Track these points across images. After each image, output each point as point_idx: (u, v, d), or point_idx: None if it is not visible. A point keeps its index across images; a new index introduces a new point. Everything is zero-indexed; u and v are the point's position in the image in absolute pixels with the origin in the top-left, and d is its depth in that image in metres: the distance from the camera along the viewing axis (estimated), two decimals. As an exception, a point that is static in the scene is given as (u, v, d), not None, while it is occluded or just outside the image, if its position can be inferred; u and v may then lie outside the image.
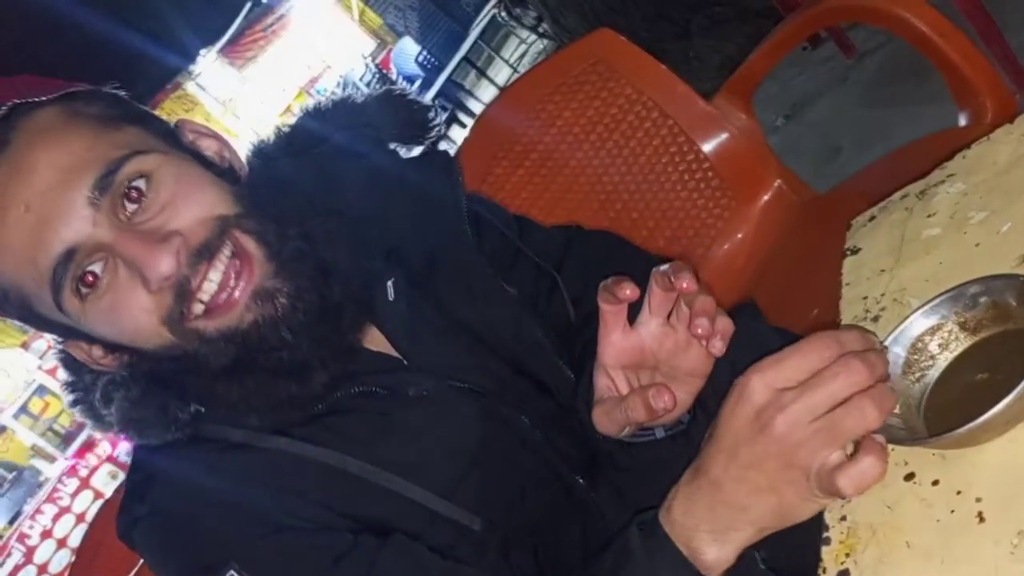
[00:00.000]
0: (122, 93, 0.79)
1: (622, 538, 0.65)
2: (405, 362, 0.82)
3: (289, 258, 0.74)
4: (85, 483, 4.80)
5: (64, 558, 4.65)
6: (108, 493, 4.62)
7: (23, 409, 6.41)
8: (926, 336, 0.64)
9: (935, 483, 0.57)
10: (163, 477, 0.76)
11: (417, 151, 0.96)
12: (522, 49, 9.05)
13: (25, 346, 7.24)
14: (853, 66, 3.05)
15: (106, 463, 4.83)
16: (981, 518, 0.53)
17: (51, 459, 6.21)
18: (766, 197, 1.54)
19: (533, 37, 8.34)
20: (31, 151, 0.70)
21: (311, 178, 0.85)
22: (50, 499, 4.90)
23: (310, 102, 0.95)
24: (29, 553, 4.72)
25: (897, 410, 0.63)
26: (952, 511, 0.55)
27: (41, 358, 6.71)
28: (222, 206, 0.73)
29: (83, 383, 0.79)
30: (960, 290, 0.63)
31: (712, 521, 0.60)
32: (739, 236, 1.54)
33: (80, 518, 4.76)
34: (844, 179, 1.62)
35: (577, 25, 4.27)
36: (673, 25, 3.97)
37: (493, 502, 0.79)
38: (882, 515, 0.58)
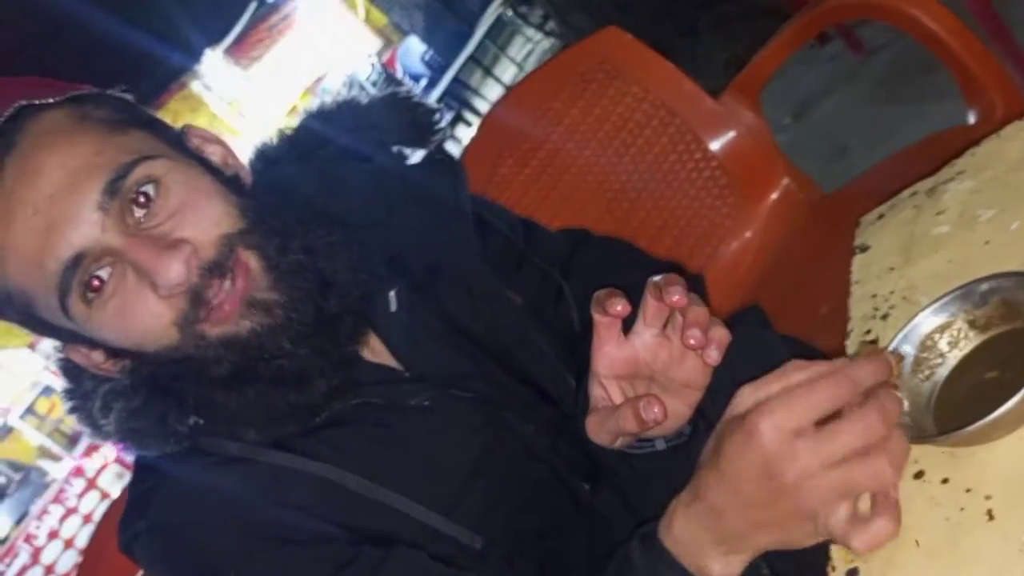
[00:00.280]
0: (129, 97, 0.79)
1: (624, 550, 0.65)
2: (406, 373, 0.81)
3: (287, 271, 0.73)
4: (92, 484, 4.82)
5: (71, 558, 4.67)
6: (115, 493, 4.63)
7: (29, 410, 6.44)
8: (935, 334, 0.64)
9: (944, 481, 0.57)
10: (162, 491, 0.76)
11: (420, 154, 0.96)
12: (528, 48, 9.05)
13: (32, 347, 7.27)
14: (861, 64, 3.05)
15: (113, 464, 4.84)
16: (990, 516, 0.53)
17: (57, 459, 6.23)
18: (774, 196, 1.54)
19: (539, 36, 8.34)
20: (38, 153, 0.69)
21: (314, 182, 0.85)
22: (57, 500, 4.92)
23: (314, 104, 0.95)
24: (36, 553, 4.74)
25: (907, 408, 0.63)
26: (961, 509, 0.55)
27: (47, 359, 6.75)
28: (227, 221, 0.73)
29: (82, 391, 0.78)
30: (969, 288, 0.63)
31: (715, 543, 0.60)
32: (747, 235, 1.54)
33: (87, 519, 4.78)
34: (852, 178, 1.62)
35: (584, 23, 4.27)
36: (680, 23, 3.97)
37: (496, 514, 0.79)
38: (892, 513, 0.58)
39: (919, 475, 0.59)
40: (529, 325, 0.86)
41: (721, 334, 0.66)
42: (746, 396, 0.57)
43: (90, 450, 5.05)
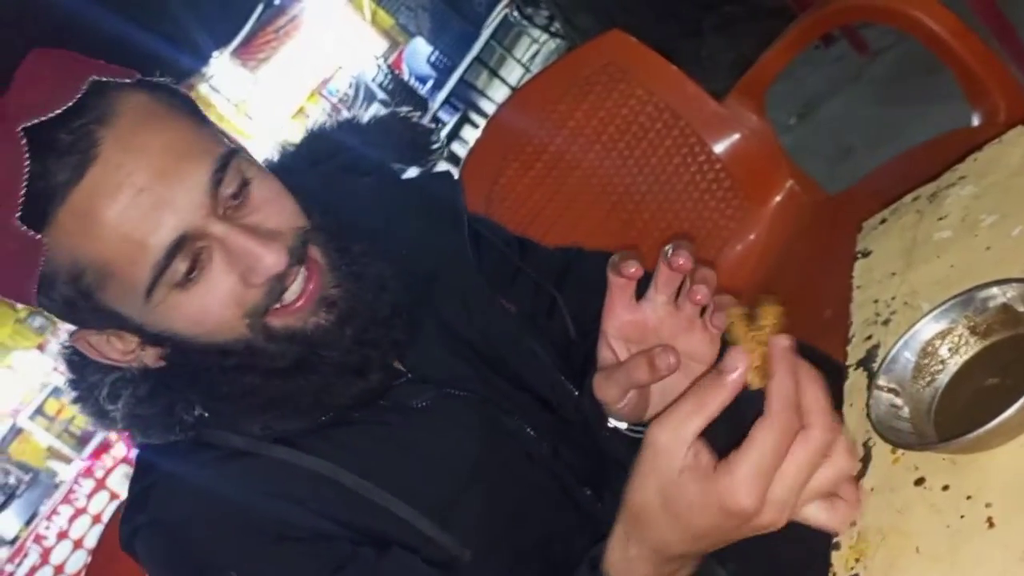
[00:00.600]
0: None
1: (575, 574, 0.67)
2: (408, 374, 0.83)
3: (349, 271, 0.76)
4: (101, 484, 4.83)
5: (80, 559, 4.68)
6: (124, 494, 4.65)
7: (39, 411, 6.47)
8: (936, 340, 0.64)
9: (945, 488, 0.57)
10: (163, 486, 0.76)
11: (414, 172, 0.99)
12: (534, 49, 9.04)
13: (41, 348, 7.31)
14: (866, 64, 3.04)
15: (122, 464, 4.86)
16: (991, 523, 0.53)
17: (67, 460, 6.26)
18: (778, 198, 1.54)
19: (545, 37, 8.34)
20: (142, 130, 0.68)
21: (320, 192, 0.86)
22: (66, 500, 4.93)
23: (315, 122, 0.97)
24: (45, 554, 4.76)
25: (907, 415, 0.63)
26: (962, 516, 0.55)
27: (56, 360, 6.77)
28: (298, 216, 0.75)
29: (87, 381, 0.79)
30: (970, 294, 0.63)
31: (660, 564, 0.63)
32: (751, 237, 1.54)
33: (96, 519, 4.80)
34: (857, 179, 1.62)
35: (589, 24, 4.27)
36: (685, 24, 3.96)
37: (493, 522, 0.79)
38: (892, 520, 0.58)
39: (920, 482, 0.59)
40: (524, 332, 0.88)
41: (728, 301, 0.67)
42: (675, 439, 0.58)
43: (99, 451, 5.07)
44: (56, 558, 4.77)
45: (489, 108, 8.07)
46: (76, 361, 0.79)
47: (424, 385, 0.81)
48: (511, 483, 0.81)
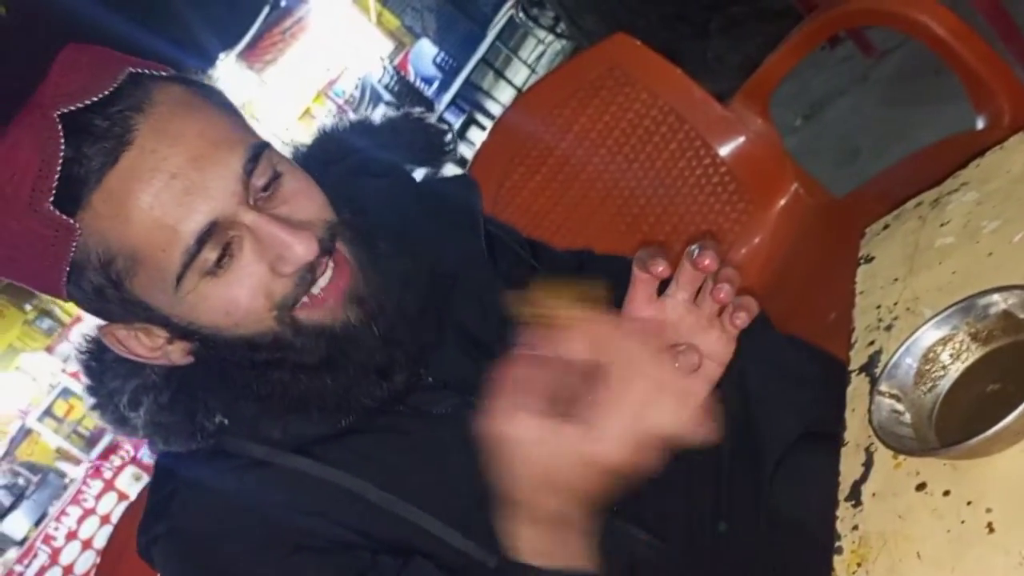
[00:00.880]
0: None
1: None
2: (429, 378, 0.82)
3: (377, 269, 0.76)
4: (110, 485, 4.85)
5: (89, 559, 4.70)
6: (132, 495, 4.67)
7: (48, 412, 6.50)
8: (938, 346, 0.64)
9: (946, 493, 0.58)
10: (182, 495, 0.77)
11: (431, 172, 0.98)
12: (540, 49, 9.05)
13: (49, 350, 7.35)
14: (873, 65, 3.04)
15: (130, 465, 4.88)
16: (991, 529, 0.53)
17: (76, 461, 6.28)
18: (783, 201, 1.55)
19: (551, 37, 8.35)
20: (177, 119, 0.69)
21: (333, 192, 0.86)
22: (75, 501, 4.95)
23: (327, 123, 0.97)
24: (54, 555, 4.78)
25: (909, 420, 0.63)
26: (962, 521, 0.55)
27: (65, 361, 6.81)
28: (327, 210, 0.75)
29: (106, 388, 0.79)
30: (971, 301, 0.63)
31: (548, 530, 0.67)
32: (756, 240, 1.55)
33: (105, 519, 4.81)
34: (862, 182, 1.62)
35: (595, 26, 4.27)
36: (691, 25, 3.96)
37: None
38: (893, 525, 0.59)
39: (921, 487, 0.60)
40: None
41: (750, 302, 0.69)
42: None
43: (108, 452, 5.09)
44: (65, 559, 4.80)
45: (495, 109, 8.08)
46: (94, 367, 0.79)
47: (445, 391, 0.81)
48: None
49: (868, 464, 0.64)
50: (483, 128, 7.61)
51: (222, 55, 9.74)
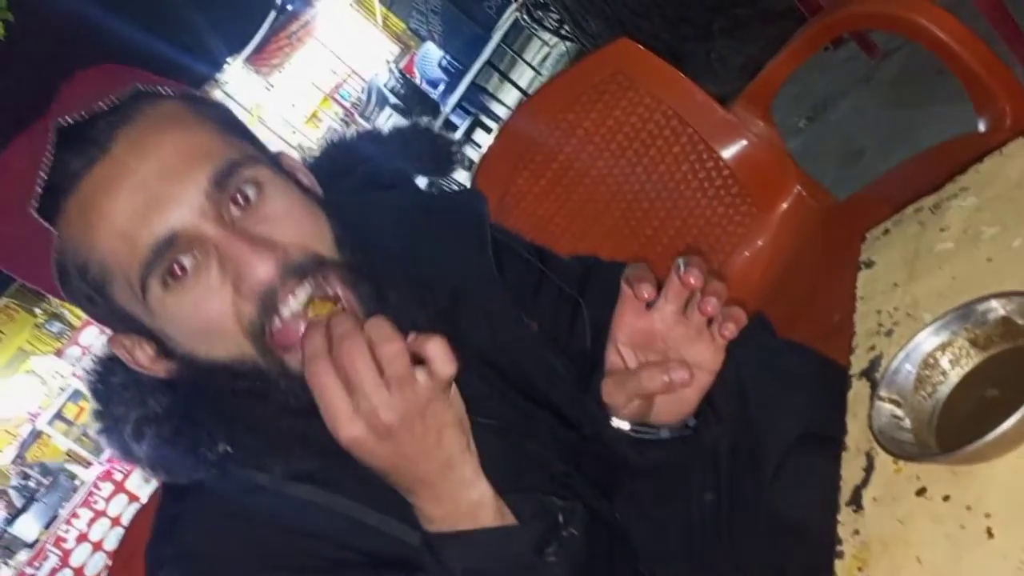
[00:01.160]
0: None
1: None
2: None
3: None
4: (120, 487, 4.87)
5: (100, 562, 4.72)
6: (143, 497, 4.69)
7: (58, 415, 6.53)
8: (937, 352, 0.65)
9: (946, 498, 0.58)
10: (189, 518, 0.77)
11: (441, 183, 0.99)
12: (545, 51, 9.06)
13: (59, 353, 7.38)
14: (876, 66, 3.04)
15: (139, 468, 4.89)
16: (990, 533, 0.54)
17: (86, 464, 6.31)
18: (786, 204, 1.55)
19: (555, 39, 8.34)
20: (155, 132, 0.70)
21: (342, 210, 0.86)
22: (85, 503, 4.98)
23: (335, 134, 0.97)
24: (65, 557, 4.81)
25: (909, 426, 0.64)
26: (962, 526, 0.56)
27: (75, 364, 6.84)
28: (321, 242, 0.73)
29: (112, 414, 0.79)
30: (969, 307, 0.64)
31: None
32: (759, 243, 1.55)
33: (115, 522, 4.84)
34: (866, 183, 1.63)
35: (599, 28, 4.28)
36: (695, 27, 3.97)
37: None
38: (894, 530, 0.60)
39: (921, 492, 0.60)
40: (546, 351, 0.88)
41: (738, 312, 0.71)
42: None
43: (117, 455, 5.10)
44: (75, 561, 4.82)
45: (500, 111, 8.09)
46: (101, 391, 0.80)
47: None
48: None
49: (869, 469, 0.65)
50: (489, 131, 7.62)
51: (229, 59, 9.77)
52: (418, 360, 0.65)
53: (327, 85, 11.64)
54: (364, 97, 10.38)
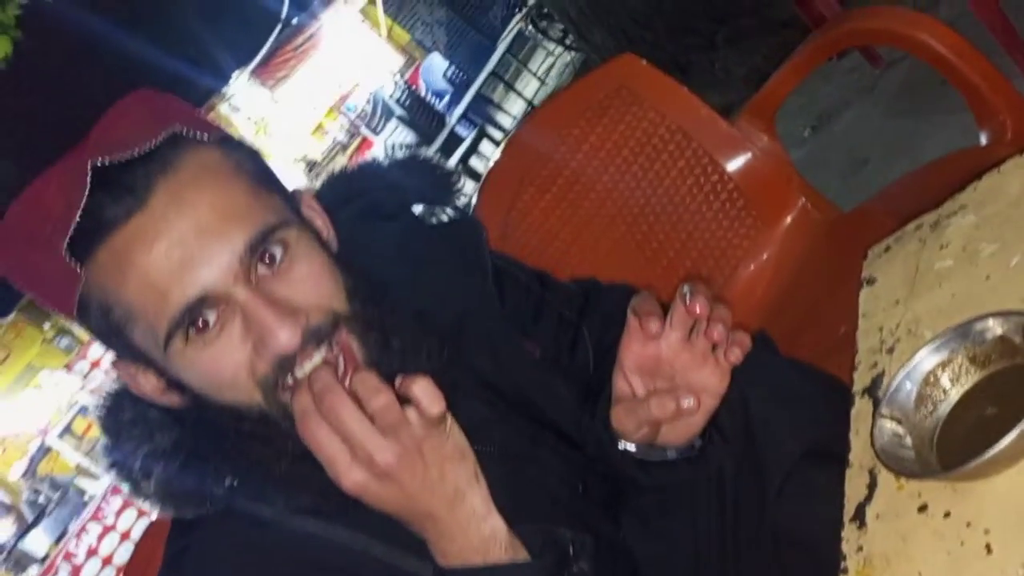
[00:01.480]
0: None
1: None
2: None
3: (386, 367, 0.74)
4: (129, 501, 4.89)
5: None
6: (153, 512, 4.70)
7: (67, 429, 6.55)
8: (937, 370, 0.66)
9: (947, 515, 0.59)
10: (196, 550, 0.78)
11: (441, 213, 1.00)
12: (549, 61, 9.09)
13: (68, 368, 7.41)
14: (880, 76, 3.05)
15: (149, 481, 4.90)
16: (989, 549, 0.55)
17: (95, 478, 6.33)
18: (791, 217, 1.56)
19: (560, 49, 8.38)
20: (194, 187, 0.70)
21: (344, 243, 0.87)
22: (95, 517, 5.00)
23: (336, 167, 0.98)
24: (75, 571, 4.83)
25: (910, 443, 0.65)
26: (962, 543, 0.57)
27: (84, 379, 6.87)
28: (337, 298, 0.74)
29: (122, 450, 0.79)
30: (968, 326, 0.65)
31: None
32: (764, 256, 1.56)
33: (125, 536, 4.86)
34: (872, 191, 1.64)
35: (603, 39, 4.29)
36: (699, 37, 3.98)
37: None
38: (896, 546, 0.61)
39: (923, 509, 0.61)
40: (548, 375, 0.89)
41: (743, 337, 0.72)
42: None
43: (126, 469, 5.11)
44: (86, 575, 4.84)
45: (506, 121, 8.12)
46: (111, 427, 0.81)
47: None
48: None
49: (872, 486, 0.66)
50: (495, 142, 7.64)
51: (235, 73, 9.83)
52: (408, 400, 0.67)
53: (333, 97, 11.68)
54: (369, 109, 10.42)
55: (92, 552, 4.90)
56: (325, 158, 11.07)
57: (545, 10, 7.49)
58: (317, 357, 0.72)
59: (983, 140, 1.28)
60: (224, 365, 0.72)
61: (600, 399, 0.83)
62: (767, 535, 0.81)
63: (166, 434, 0.78)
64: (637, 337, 0.75)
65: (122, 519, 4.96)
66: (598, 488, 0.85)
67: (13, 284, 0.76)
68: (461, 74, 9.82)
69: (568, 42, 7.65)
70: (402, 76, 10.99)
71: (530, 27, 8.40)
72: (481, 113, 8.26)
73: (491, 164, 1.73)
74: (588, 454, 0.86)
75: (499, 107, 8.66)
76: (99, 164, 0.67)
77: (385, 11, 11.62)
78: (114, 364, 0.79)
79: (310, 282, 0.73)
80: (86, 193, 0.67)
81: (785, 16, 3.51)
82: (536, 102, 8.13)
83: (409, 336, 0.78)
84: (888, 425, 0.66)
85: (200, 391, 0.74)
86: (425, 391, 0.66)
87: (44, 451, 6.92)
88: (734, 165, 1.57)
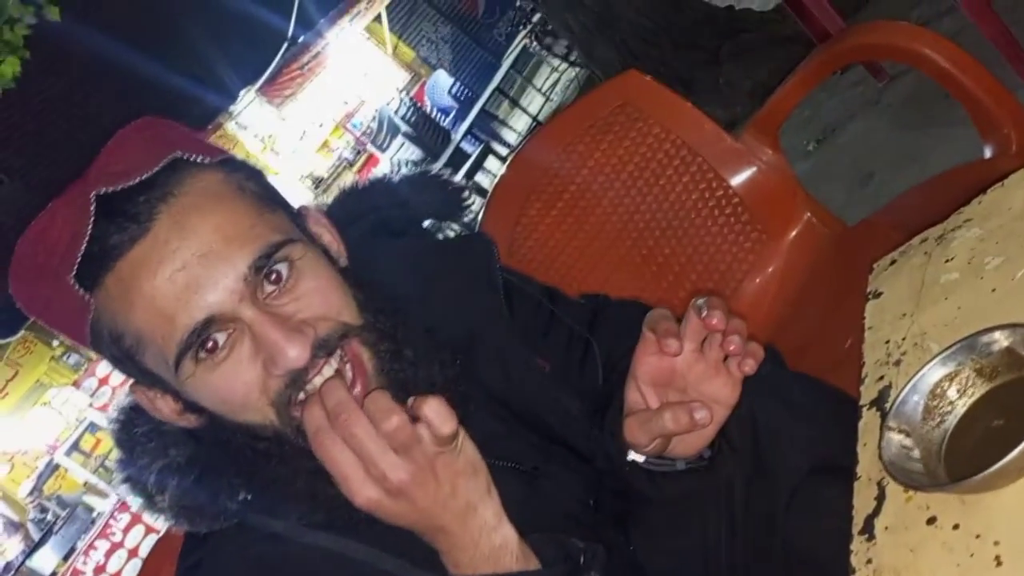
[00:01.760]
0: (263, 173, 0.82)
1: None
2: None
3: (398, 378, 0.76)
4: (137, 518, 4.88)
5: (118, 593, 4.73)
6: (161, 527, 4.69)
7: (75, 446, 6.56)
8: (944, 382, 0.66)
9: (955, 527, 0.59)
10: (209, 564, 0.79)
11: (452, 228, 1.01)
12: (554, 77, 9.14)
13: (76, 385, 7.43)
14: (884, 89, 3.06)
15: (157, 498, 4.90)
16: (999, 562, 0.55)
17: (103, 495, 6.33)
18: (796, 231, 1.57)
19: (564, 65, 8.43)
20: (197, 211, 0.71)
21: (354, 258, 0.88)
22: (103, 535, 4.99)
23: (346, 183, 0.99)
24: (84, 589, 4.81)
25: (918, 456, 0.65)
26: (971, 555, 0.57)
27: (92, 396, 6.88)
28: (347, 312, 0.75)
29: (136, 465, 0.80)
30: (974, 338, 0.65)
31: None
32: (770, 270, 1.57)
33: (133, 553, 4.85)
34: (877, 204, 1.64)
35: (607, 54, 4.32)
36: (703, 52, 4.01)
37: None
38: (905, 559, 0.61)
39: (932, 521, 0.61)
40: (558, 389, 0.90)
41: (757, 349, 0.74)
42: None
43: (134, 486, 5.11)
44: (94, 593, 4.82)
45: (511, 137, 8.15)
46: (125, 441, 0.81)
47: None
48: None
49: (880, 498, 0.66)
50: (500, 157, 7.67)
51: (242, 91, 9.89)
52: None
53: (339, 114, 11.75)
54: (375, 126, 10.47)
55: (100, 569, 4.89)
56: (331, 175, 11.12)
57: (549, 27, 7.54)
58: (328, 370, 0.73)
59: (987, 153, 1.29)
60: (236, 385, 0.72)
61: (609, 411, 0.84)
62: (776, 548, 0.81)
63: (181, 449, 0.79)
64: (652, 350, 0.75)
65: (130, 536, 4.95)
66: (609, 502, 0.86)
67: (32, 317, 0.77)
68: (466, 91, 9.87)
69: (572, 58, 7.70)
70: (408, 93, 11.05)
71: (535, 44, 8.45)
72: (486, 129, 8.29)
73: (496, 180, 1.74)
74: (597, 467, 0.86)
75: (504, 123, 8.69)
76: (102, 194, 0.68)
77: (390, 29, 11.70)
78: (132, 389, 0.80)
79: (317, 296, 0.74)
80: (90, 223, 0.68)
81: (789, 31, 3.53)
82: (541, 118, 8.17)
83: (422, 347, 0.78)
84: (895, 437, 0.66)
85: (215, 412, 0.75)
86: (438, 412, 0.66)
87: (52, 468, 6.93)
88: (739, 179, 1.58)
